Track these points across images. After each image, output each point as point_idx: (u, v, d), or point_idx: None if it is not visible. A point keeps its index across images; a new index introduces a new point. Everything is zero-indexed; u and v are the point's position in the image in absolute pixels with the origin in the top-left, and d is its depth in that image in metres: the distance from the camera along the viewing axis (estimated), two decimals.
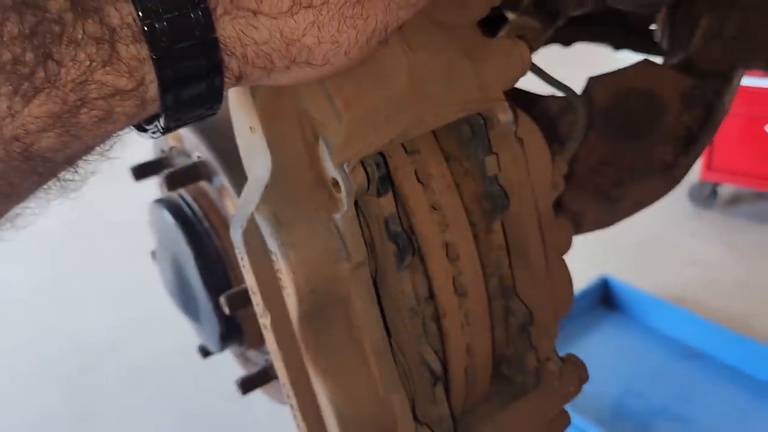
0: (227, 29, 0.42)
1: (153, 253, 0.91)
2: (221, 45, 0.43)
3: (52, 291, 3.61)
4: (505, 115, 0.61)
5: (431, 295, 0.62)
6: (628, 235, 3.51)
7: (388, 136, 0.56)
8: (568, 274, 0.72)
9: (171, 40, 0.40)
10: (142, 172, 0.84)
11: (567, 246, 0.73)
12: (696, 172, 3.76)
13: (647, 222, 3.62)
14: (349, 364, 0.59)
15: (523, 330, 0.67)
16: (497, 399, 0.70)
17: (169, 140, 0.83)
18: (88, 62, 0.38)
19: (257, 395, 2.69)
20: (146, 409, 2.75)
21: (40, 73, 0.37)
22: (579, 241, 0.72)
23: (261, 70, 0.46)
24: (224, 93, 0.46)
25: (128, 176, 0.85)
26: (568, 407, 0.76)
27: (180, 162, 0.82)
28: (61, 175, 0.44)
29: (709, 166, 3.74)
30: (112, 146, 0.47)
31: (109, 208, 4.26)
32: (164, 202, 0.80)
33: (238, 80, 0.46)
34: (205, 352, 0.91)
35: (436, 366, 0.61)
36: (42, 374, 2.98)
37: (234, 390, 0.90)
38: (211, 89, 0.44)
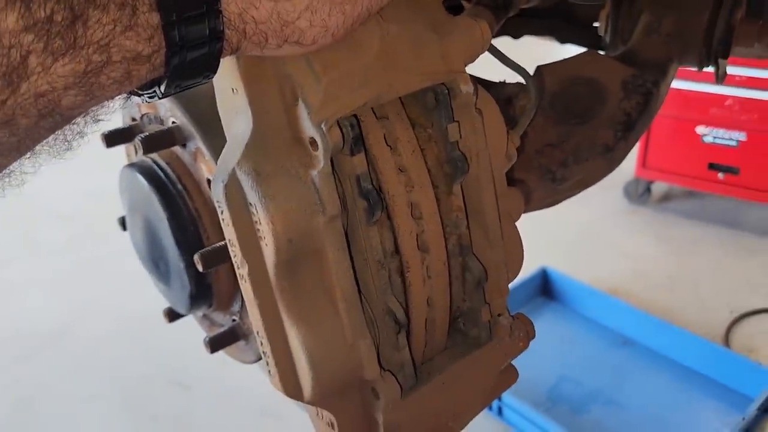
0: (231, 6, 0.47)
1: (121, 220, 0.94)
2: (225, 19, 0.47)
3: None
4: (466, 86, 0.67)
5: (396, 250, 0.67)
6: (567, 228, 3.67)
7: (362, 100, 0.61)
8: (520, 238, 0.78)
9: (181, 8, 0.44)
10: (113, 138, 0.86)
11: (518, 213, 0.79)
12: (631, 169, 3.93)
13: (585, 216, 3.80)
14: (321, 311, 0.64)
15: (479, 286, 0.73)
16: (453, 351, 0.76)
17: (143, 108, 0.85)
18: (112, 25, 0.42)
19: (201, 382, 2.68)
20: (89, 396, 2.71)
21: (70, 33, 0.40)
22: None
23: (255, 45, 0.51)
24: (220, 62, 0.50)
25: (66, 164, 0.85)
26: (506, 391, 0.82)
27: (152, 129, 0.84)
28: (65, 131, 0.48)
29: (643, 164, 3.91)
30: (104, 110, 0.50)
31: (50, 196, 4.17)
32: (137, 166, 0.83)
33: (234, 51, 0.51)
34: (171, 316, 0.94)
35: (401, 315, 0.66)
36: None
37: (176, 377, 0.92)
38: (211, 55, 0.48)
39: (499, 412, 2.51)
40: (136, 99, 0.53)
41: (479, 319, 0.74)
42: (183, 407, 2.64)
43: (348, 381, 0.67)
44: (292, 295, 0.63)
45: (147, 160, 0.83)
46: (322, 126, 0.59)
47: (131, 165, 0.84)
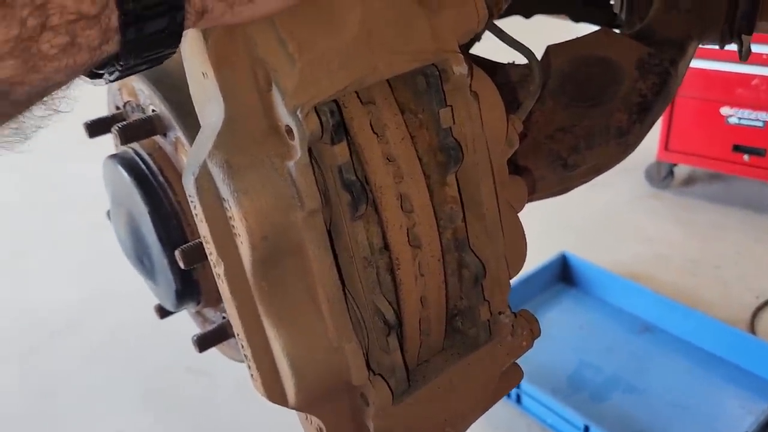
0: None
1: (108, 213, 0.90)
2: None
3: (9, 266, 3.53)
4: (459, 67, 0.61)
5: (385, 246, 0.63)
6: (587, 213, 3.59)
7: (342, 83, 0.56)
8: (522, 230, 0.73)
9: None
10: (95, 128, 0.82)
11: (521, 202, 0.74)
12: (653, 152, 3.83)
13: (605, 200, 3.72)
14: (303, 312, 0.60)
15: (476, 282, 0.68)
16: (451, 352, 0.71)
17: (124, 95, 0.81)
18: None
19: (221, 369, 2.67)
20: (106, 385, 2.71)
21: None
22: (540, 218, 0.74)
23: (223, 4, 0.45)
24: (184, 31, 0.45)
25: (86, 153, 0.82)
26: (524, 378, 0.77)
27: (134, 118, 0.80)
28: (13, 120, 0.43)
29: (666, 147, 3.82)
30: (62, 100, 0.46)
31: (67, 183, 4.18)
32: (118, 157, 0.79)
33: (200, 15, 0.45)
34: (162, 313, 0.90)
35: (390, 315, 0.61)
36: None
37: (195, 364, 0.89)
38: (172, 24, 0.43)
39: (518, 399, 2.47)
40: (98, 81, 0.49)
41: (478, 318, 0.69)
42: (203, 396, 2.63)
43: (334, 386, 0.63)
44: (271, 295, 0.59)
45: (129, 151, 0.79)
46: (298, 113, 0.54)
47: (112, 156, 0.80)
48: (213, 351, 0.86)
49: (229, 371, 2.76)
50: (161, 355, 2.82)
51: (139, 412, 2.59)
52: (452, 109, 0.62)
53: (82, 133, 0.81)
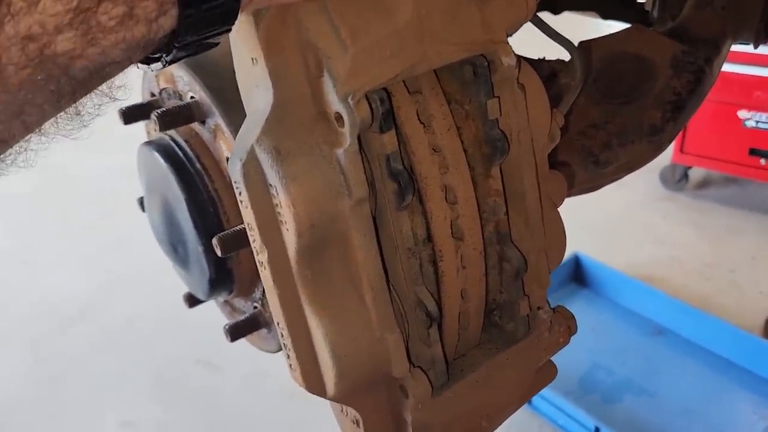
0: None
1: (140, 201, 0.90)
2: None
3: (23, 255, 3.54)
4: (508, 58, 0.61)
5: (429, 237, 0.62)
6: (601, 214, 3.58)
7: (393, 71, 0.55)
8: (562, 224, 0.72)
9: None
10: (131, 115, 0.82)
11: (561, 197, 0.73)
12: (668, 155, 3.81)
13: (620, 202, 3.70)
14: (346, 301, 0.59)
15: (517, 277, 0.67)
16: (488, 346, 0.70)
17: (161, 82, 0.81)
18: None
19: (231, 362, 2.67)
20: (116, 374, 2.72)
21: None
22: None
23: None
24: (239, 12, 0.45)
25: (97, 142, 0.81)
26: None
27: (171, 104, 0.80)
28: (76, 101, 0.43)
29: (681, 150, 3.80)
30: (119, 85, 0.45)
31: (81, 174, 4.19)
32: (154, 144, 0.78)
33: None
34: (191, 302, 0.90)
35: (432, 307, 0.61)
36: (11, 337, 2.93)
37: (205, 356, 0.89)
38: (228, 3, 0.43)
39: (529, 400, 2.46)
40: (144, 67, 0.48)
41: (517, 313, 0.69)
42: (213, 387, 2.64)
43: (374, 377, 0.62)
44: (314, 284, 0.58)
45: (165, 137, 0.78)
46: (349, 100, 0.53)
47: (148, 143, 0.79)
48: (223, 344, 0.85)
49: (239, 364, 2.77)
50: (172, 346, 2.83)
51: (149, 402, 2.59)
52: (499, 101, 0.62)
53: (94, 123, 0.80)
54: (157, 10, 0.39)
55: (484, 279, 0.66)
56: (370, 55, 0.55)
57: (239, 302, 0.87)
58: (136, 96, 0.90)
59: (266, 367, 2.53)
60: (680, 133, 3.68)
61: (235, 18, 0.45)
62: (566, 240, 0.73)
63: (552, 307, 0.73)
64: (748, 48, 1.13)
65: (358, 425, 0.66)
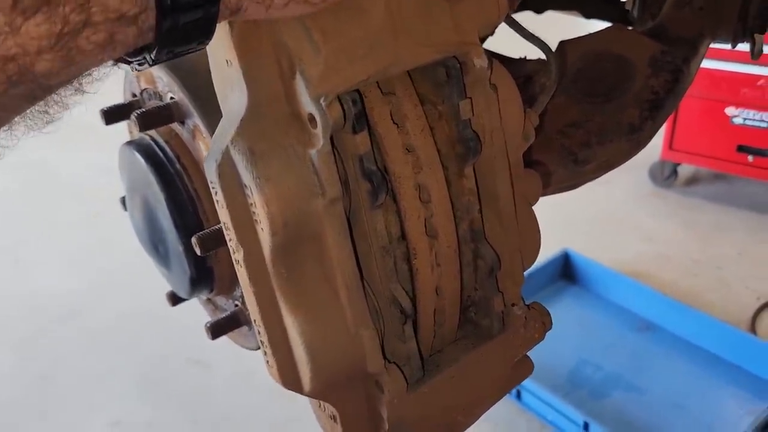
0: None
1: (122, 200, 0.90)
2: None
3: (10, 254, 3.54)
4: (480, 60, 0.62)
5: (403, 236, 0.63)
6: (590, 210, 3.60)
7: (366, 73, 0.56)
8: (536, 223, 0.73)
9: None
10: (112, 115, 0.83)
11: (535, 196, 0.74)
12: (657, 151, 3.83)
13: (608, 199, 3.72)
14: (321, 299, 0.60)
15: (491, 274, 0.68)
16: (464, 342, 0.71)
17: (142, 82, 0.82)
18: None
19: (220, 360, 2.67)
20: (104, 374, 2.72)
21: None
22: (542, 215, 0.74)
23: (259, 5, 0.46)
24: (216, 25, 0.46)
25: (85, 140, 0.82)
26: None
27: (151, 105, 0.81)
28: (46, 102, 0.44)
29: (670, 146, 3.82)
30: (88, 81, 0.46)
31: (67, 172, 4.17)
32: (134, 144, 0.79)
33: (233, 13, 0.46)
34: (174, 300, 0.91)
35: (407, 304, 0.62)
36: None
37: (194, 355, 0.90)
38: (206, 18, 0.44)
39: (518, 395, 2.48)
40: (125, 67, 0.49)
41: (492, 309, 0.70)
42: (201, 386, 2.64)
43: (350, 373, 0.63)
44: (290, 281, 0.59)
45: (145, 137, 0.79)
46: (322, 101, 0.54)
47: (129, 143, 0.80)
48: (212, 343, 0.86)
49: (228, 363, 2.77)
50: (160, 345, 2.83)
51: (137, 401, 2.59)
52: (472, 102, 0.63)
53: (82, 120, 0.80)
54: (137, 37, 0.40)
55: (459, 276, 0.68)
56: (343, 56, 0.55)
57: (221, 300, 0.88)
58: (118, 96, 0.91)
59: (255, 366, 2.53)
60: (669, 130, 3.73)
61: (212, 34, 0.46)
62: (541, 238, 0.74)
63: (527, 303, 0.75)
64: (743, 45, 1.14)
65: (335, 420, 0.67)
